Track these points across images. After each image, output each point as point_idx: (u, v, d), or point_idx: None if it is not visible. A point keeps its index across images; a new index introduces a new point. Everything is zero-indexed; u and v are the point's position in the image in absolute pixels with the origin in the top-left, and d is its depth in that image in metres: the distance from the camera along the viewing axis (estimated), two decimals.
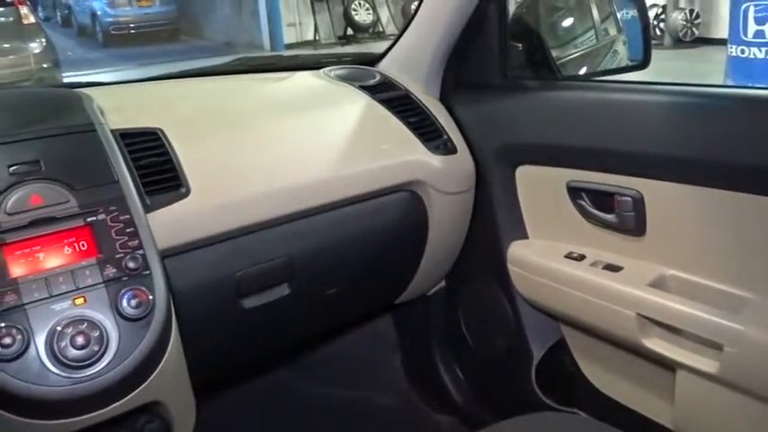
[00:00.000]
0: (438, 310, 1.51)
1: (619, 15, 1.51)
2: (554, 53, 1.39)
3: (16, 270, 0.82)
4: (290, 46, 10.29)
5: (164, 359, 0.91)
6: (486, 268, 1.36)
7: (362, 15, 10.55)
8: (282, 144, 1.15)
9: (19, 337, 0.79)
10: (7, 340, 0.78)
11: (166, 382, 0.93)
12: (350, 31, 10.66)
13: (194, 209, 0.99)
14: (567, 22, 1.56)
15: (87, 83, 1.27)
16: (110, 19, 10.63)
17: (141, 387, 0.88)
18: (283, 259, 1.10)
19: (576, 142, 1.16)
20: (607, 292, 1.09)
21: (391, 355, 1.64)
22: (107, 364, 0.82)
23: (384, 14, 10.86)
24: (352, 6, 10.48)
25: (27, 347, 0.79)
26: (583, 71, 1.49)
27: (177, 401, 0.99)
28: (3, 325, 0.78)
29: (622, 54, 1.48)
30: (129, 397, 0.87)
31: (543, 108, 1.23)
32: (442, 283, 1.48)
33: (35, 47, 5.25)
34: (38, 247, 0.84)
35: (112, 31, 10.59)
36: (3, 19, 5.14)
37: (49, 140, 0.94)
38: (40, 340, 0.80)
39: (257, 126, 1.17)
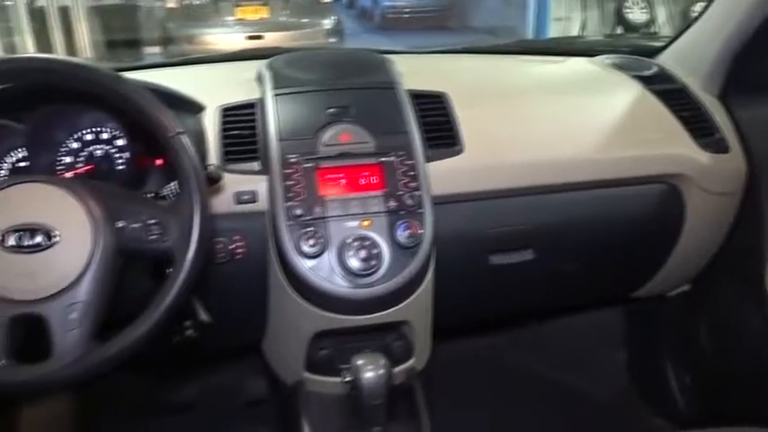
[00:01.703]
0: (677, 313, 1.47)
1: None
2: None
3: (323, 189, 1.02)
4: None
5: (421, 286, 1.06)
6: (741, 279, 1.29)
7: (636, 13, 9.92)
8: (550, 120, 1.22)
9: (320, 240, 0.99)
10: (311, 241, 0.98)
11: (418, 307, 1.09)
12: (619, 30, 10.12)
13: (465, 166, 1.12)
14: None
15: (386, 50, 1.47)
16: (388, 4, 11.49)
17: (401, 304, 1.04)
18: (531, 226, 1.18)
19: None
20: None
21: (616, 350, 1.63)
22: (380, 278, 0.99)
23: (661, 14, 10.12)
24: (626, 3, 9.94)
25: (323, 251, 0.99)
26: None
27: (421, 328, 1.14)
28: (311, 229, 0.99)
29: None
30: (390, 310, 1.03)
31: None
32: (686, 287, 1.44)
33: (327, 23, 5.99)
34: (341, 175, 1.04)
35: (388, 15, 11.44)
36: None
37: (358, 91, 1.14)
38: (333, 247, 0.99)
39: (528, 101, 1.27)
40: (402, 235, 1.00)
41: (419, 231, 1.01)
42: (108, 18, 6.38)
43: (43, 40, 5.52)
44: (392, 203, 1.02)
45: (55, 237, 0.79)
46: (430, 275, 1.08)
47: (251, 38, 5.68)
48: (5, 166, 1.05)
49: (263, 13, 5.94)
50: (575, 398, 1.61)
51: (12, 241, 0.78)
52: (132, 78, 0.87)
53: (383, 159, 1.05)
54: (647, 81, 1.32)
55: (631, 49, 1.50)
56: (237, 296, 1.11)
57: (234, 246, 1.05)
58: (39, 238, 0.78)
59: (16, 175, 1.02)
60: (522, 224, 1.18)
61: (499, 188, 1.14)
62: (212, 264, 1.03)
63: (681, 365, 1.49)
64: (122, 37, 6.06)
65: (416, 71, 1.28)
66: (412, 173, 1.04)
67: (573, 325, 1.62)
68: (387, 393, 0.96)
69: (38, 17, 5.62)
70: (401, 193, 1.03)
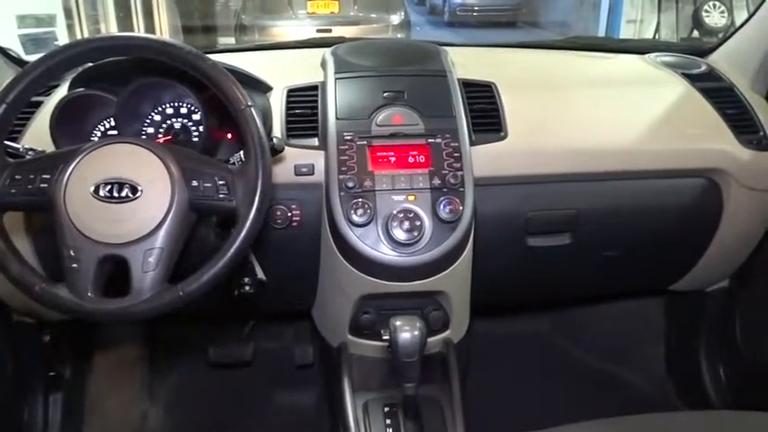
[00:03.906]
0: (714, 308, 1.50)
1: None
2: None
3: (374, 165, 1.12)
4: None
5: (459, 259, 1.14)
6: None
7: (715, 17, 9.58)
8: (594, 111, 1.28)
9: (368, 211, 1.08)
10: (361, 211, 1.08)
11: (456, 278, 1.17)
12: (695, 34, 9.79)
13: (508, 151, 1.19)
14: None
15: (442, 42, 1.55)
16: (459, 1, 11.51)
17: (439, 274, 1.12)
18: (571, 211, 1.24)
19: None
20: None
21: (652, 341, 1.66)
22: (421, 248, 1.07)
23: (741, 18, 9.71)
24: (705, 7, 9.59)
25: (370, 221, 1.08)
26: None
27: (458, 301, 1.22)
28: (361, 200, 1.08)
29: None
30: (430, 279, 1.12)
31: None
32: (725, 283, 1.46)
33: (395, 19, 6.10)
34: (391, 153, 1.13)
35: (458, 12, 11.45)
36: None
37: (412, 78, 1.23)
38: (380, 218, 1.08)
39: (574, 93, 1.33)
40: (443, 210, 1.09)
41: (459, 208, 1.09)
42: (186, 7, 6.67)
43: (126, 27, 5.84)
44: (436, 181, 1.10)
45: (139, 191, 0.91)
46: (468, 250, 1.16)
47: (320, 31, 5.84)
48: (98, 132, 1.19)
49: (333, 8, 6.09)
50: (607, 386, 1.66)
51: (104, 192, 0.91)
52: (211, 57, 0.98)
53: (431, 140, 1.14)
54: (694, 78, 1.35)
55: (683, 48, 1.53)
56: (292, 260, 1.22)
57: (291, 213, 1.16)
58: (126, 191, 0.91)
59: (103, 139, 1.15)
60: (561, 209, 1.24)
61: (540, 173, 1.21)
62: (271, 228, 1.15)
63: (717, 361, 1.51)
64: (199, 25, 6.33)
65: (469, 62, 1.35)
66: (456, 154, 1.12)
67: (610, 313, 1.66)
68: (420, 353, 1.05)
69: (122, 6, 5.95)
70: (445, 172, 1.11)
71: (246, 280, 1.15)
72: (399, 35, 6.06)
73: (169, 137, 1.17)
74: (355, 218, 1.08)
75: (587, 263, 1.32)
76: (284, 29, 5.96)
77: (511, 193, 1.21)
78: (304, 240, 1.19)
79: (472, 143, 1.16)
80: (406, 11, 6.37)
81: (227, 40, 6.45)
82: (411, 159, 1.13)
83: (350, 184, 1.09)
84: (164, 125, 1.18)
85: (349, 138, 1.13)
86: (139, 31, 5.89)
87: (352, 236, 1.08)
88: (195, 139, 1.18)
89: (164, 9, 6.47)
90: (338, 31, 5.73)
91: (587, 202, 1.24)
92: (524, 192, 1.22)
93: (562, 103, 1.29)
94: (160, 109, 1.18)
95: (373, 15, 6.09)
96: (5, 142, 0.97)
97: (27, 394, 1.44)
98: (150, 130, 1.18)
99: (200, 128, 1.18)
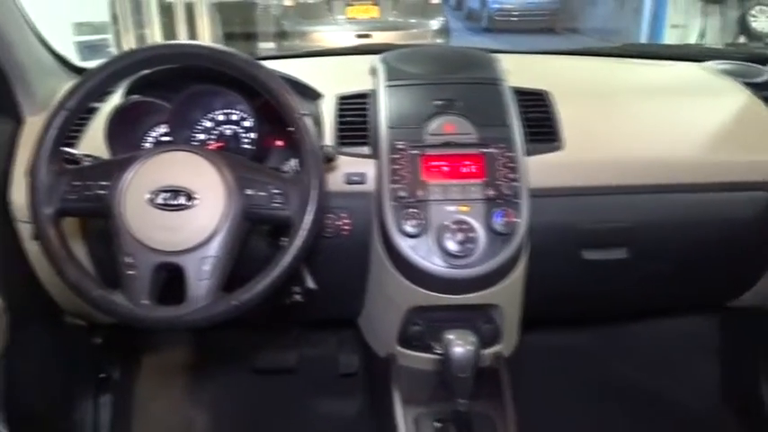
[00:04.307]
0: None
1: None
2: None
3: (427, 175, 1.10)
4: None
5: (513, 272, 1.11)
6: None
7: (762, 22, 9.33)
8: (652, 121, 1.24)
9: (421, 222, 1.06)
10: (413, 222, 1.06)
11: (509, 292, 1.14)
12: (742, 39, 9.52)
13: (564, 161, 1.16)
14: None
15: (493, 49, 1.52)
16: (496, 6, 11.44)
17: (492, 288, 1.10)
18: (627, 224, 1.20)
19: None
20: None
21: (707, 359, 1.60)
22: (475, 261, 1.05)
23: None
24: (752, 12, 9.33)
25: (423, 232, 1.07)
26: None
27: (510, 314, 1.19)
28: (413, 211, 1.07)
29: None
30: (482, 292, 1.10)
31: None
32: None
33: (434, 24, 6.09)
34: (444, 163, 1.11)
35: (496, 17, 11.38)
36: None
37: (464, 86, 1.21)
38: (433, 229, 1.06)
39: (631, 102, 1.29)
40: (498, 222, 1.06)
41: (514, 220, 1.06)
42: (228, 13, 6.76)
43: (168, 33, 5.95)
44: (490, 192, 1.08)
45: (195, 199, 0.91)
46: (522, 263, 1.13)
47: (360, 36, 5.86)
48: (150, 138, 1.19)
49: (373, 13, 6.11)
50: (660, 404, 1.60)
51: (160, 200, 0.91)
52: (266, 65, 0.98)
53: (484, 150, 1.11)
54: (757, 88, 1.30)
55: (744, 56, 1.48)
56: (340, 269, 1.21)
57: (341, 222, 1.15)
58: (182, 199, 0.91)
59: (157, 147, 1.16)
60: (618, 222, 1.20)
61: (596, 185, 1.18)
62: (320, 237, 1.14)
63: None
64: (240, 31, 6.41)
65: (521, 70, 1.32)
66: (511, 164, 1.10)
67: (666, 329, 1.61)
68: (474, 368, 1.02)
69: (166, 12, 6.06)
70: (500, 182, 1.09)
71: (296, 288, 1.14)
72: (439, 41, 6.05)
73: (221, 143, 1.18)
74: (407, 228, 1.06)
75: (643, 277, 1.28)
76: (324, 34, 6.00)
77: (566, 205, 1.18)
78: (353, 250, 1.18)
79: (527, 153, 1.14)
80: (446, 16, 6.35)
81: (267, 46, 6.51)
82: (464, 169, 1.10)
83: (402, 194, 1.08)
84: (214, 132, 1.19)
85: (401, 147, 1.11)
86: (182, 37, 5.99)
87: (404, 246, 1.07)
88: (245, 147, 1.18)
89: (206, 16, 6.57)
90: (378, 37, 5.75)
91: (645, 215, 1.20)
92: (580, 204, 1.18)
93: (619, 113, 1.25)
94: (211, 116, 1.19)
95: (413, 21, 6.09)
96: (63, 148, 0.99)
97: (77, 395, 1.46)
98: (201, 136, 1.18)
99: (251, 135, 1.18)
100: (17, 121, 1.25)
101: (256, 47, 6.57)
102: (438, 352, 1.05)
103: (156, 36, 5.80)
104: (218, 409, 1.64)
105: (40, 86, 1.28)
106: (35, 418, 1.32)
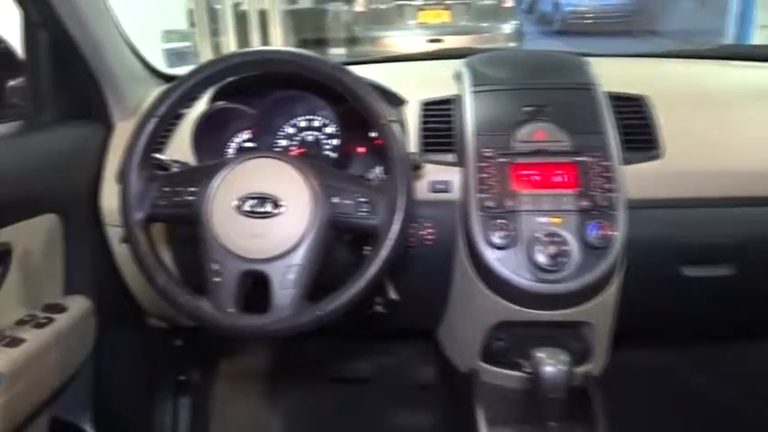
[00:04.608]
0: None
1: None
2: None
3: (516, 184, 1.05)
4: None
5: (607, 289, 1.05)
6: None
7: None
8: (758, 128, 1.15)
9: (510, 233, 1.02)
10: (501, 233, 1.02)
11: (602, 309, 1.08)
12: None
13: (664, 171, 1.09)
14: None
15: (582, 52, 1.46)
16: (570, 8, 11.15)
17: (585, 305, 1.04)
18: (733, 239, 1.12)
19: None
20: None
21: None
22: (567, 275, 1.00)
23: None
24: None
25: (512, 243, 1.02)
26: None
27: (602, 332, 1.12)
28: (501, 221, 1.02)
29: None
30: (573, 309, 1.04)
31: None
32: None
33: (507, 28, 5.99)
34: (535, 172, 1.06)
35: (569, 20, 11.10)
36: (487, 2, 6.00)
37: (555, 91, 1.16)
38: (522, 241, 1.02)
39: (735, 108, 1.20)
40: (592, 235, 1.00)
41: (610, 233, 1.00)
42: (300, 20, 6.88)
43: (242, 41, 6.10)
44: (585, 203, 1.02)
45: (281, 206, 0.90)
46: (617, 279, 1.07)
47: (431, 41, 5.83)
48: (233, 145, 1.20)
49: (444, 18, 6.07)
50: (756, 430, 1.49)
51: (247, 207, 0.90)
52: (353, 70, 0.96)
53: (578, 158, 1.06)
54: None
55: None
56: (422, 280, 1.17)
57: (425, 232, 1.12)
58: (268, 206, 0.90)
59: (241, 153, 1.16)
60: (724, 237, 1.12)
61: (699, 196, 1.10)
62: (404, 247, 1.10)
63: None
64: (312, 37, 6.50)
65: (614, 74, 1.26)
66: (607, 174, 1.04)
67: (765, 350, 1.49)
68: (566, 389, 0.97)
69: (240, 20, 6.22)
70: (594, 193, 1.03)
71: (378, 299, 1.12)
72: (512, 45, 5.94)
73: (302, 150, 1.17)
74: (495, 239, 1.02)
75: (749, 296, 1.19)
76: (395, 39, 6.01)
77: (666, 218, 1.11)
78: (436, 260, 1.15)
79: (624, 162, 1.08)
80: (519, 20, 6.24)
81: (338, 52, 6.58)
82: (556, 179, 1.05)
83: (489, 204, 1.04)
84: (296, 138, 1.18)
85: (489, 154, 1.07)
86: (256, 45, 6.13)
87: (492, 258, 1.02)
88: (327, 153, 1.17)
89: (278, 23, 6.70)
90: (450, 42, 5.70)
91: (754, 229, 1.11)
92: (681, 216, 1.11)
93: (722, 119, 1.17)
94: (294, 122, 1.18)
95: (485, 24, 6.00)
96: (153, 155, 0.99)
97: (157, 397, 1.48)
98: (283, 142, 1.18)
99: (333, 141, 1.17)
100: (107, 126, 1.28)
101: (327, 53, 6.65)
102: (526, 370, 1.01)
103: (231, 44, 5.95)
104: (294, 417, 1.64)
105: (130, 93, 1.31)
106: (118, 418, 1.35)
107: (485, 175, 1.06)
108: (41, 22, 1.17)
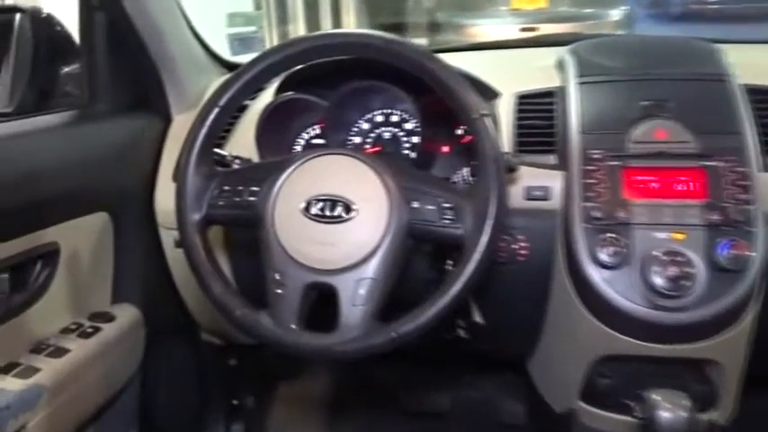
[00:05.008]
0: None
1: None
2: None
3: (630, 192, 1.01)
4: None
5: (742, 320, 0.99)
6: None
7: None
8: None
9: (621, 250, 0.97)
10: (611, 249, 0.98)
11: (734, 346, 1.02)
12: None
13: None
14: None
15: (711, 38, 1.39)
16: None
17: (712, 339, 0.99)
18: None
19: None
20: None
21: None
22: (691, 303, 0.94)
23: None
24: None
25: (623, 262, 0.98)
26: None
27: (732, 373, 1.06)
28: (610, 235, 0.98)
29: None
30: (699, 344, 0.99)
31: None
32: None
33: (615, 14, 5.85)
34: (653, 178, 1.02)
35: (690, 4, 10.72)
36: None
37: (679, 83, 1.11)
38: (636, 260, 0.97)
39: None
40: (724, 255, 0.95)
41: (746, 253, 0.95)
42: (375, 5, 6.96)
43: (312, 28, 6.23)
44: (714, 216, 0.97)
45: (354, 210, 0.89)
46: (754, 309, 1.00)
47: (525, 30, 5.76)
48: (301, 141, 1.21)
49: (540, 3, 5.98)
50: None
51: (315, 210, 0.90)
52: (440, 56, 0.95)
53: (707, 163, 1.01)
54: None
55: None
56: (513, 302, 1.15)
57: (517, 245, 1.09)
58: (339, 210, 0.89)
59: (309, 149, 1.17)
60: None
61: None
62: (493, 262, 1.08)
63: None
64: (388, 23, 6.56)
65: (752, 63, 1.20)
66: (743, 182, 0.98)
67: None
68: None
69: (310, 6, 6.35)
70: (727, 205, 0.98)
71: (461, 322, 1.10)
72: (620, 32, 5.79)
73: (377, 148, 1.17)
74: (603, 257, 0.98)
75: None
76: (483, 28, 5.96)
77: None
78: (530, 279, 1.12)
79: (763, 168, 1.02)
80: (629, 5, 6.08)
81: (417, 42, 6.62)
82: (679, 186, 1.00)
83: (597, 215, 1.00)
84: (371, 134, 1.18)
85: (597, 156, 1.04)
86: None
87: (598, 279, 0.98)
88: (406, 152, 1.16)
89: (352, 8, 6.81)
90: (546, 31, 5.61)
91: None
92: None
93: None
94: (369, 116, 1.18)
95: (589, 10, 5.88)
96: (214, 150, 1.01)
97: (208, 420, 1.51)
98: (357, 139, 1.18)
99: (413, 139, 1.16)
100: (165, 119, 1.32)
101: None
102: (637, 415, 0.96)
103: (300, 30, 6.09)
104: None
105: (190, 83, 1.35)
106: None
107: (592, 181, 1.02)
108: (99, 3, 1.22)
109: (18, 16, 1.25)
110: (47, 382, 1.04)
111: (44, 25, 1.27)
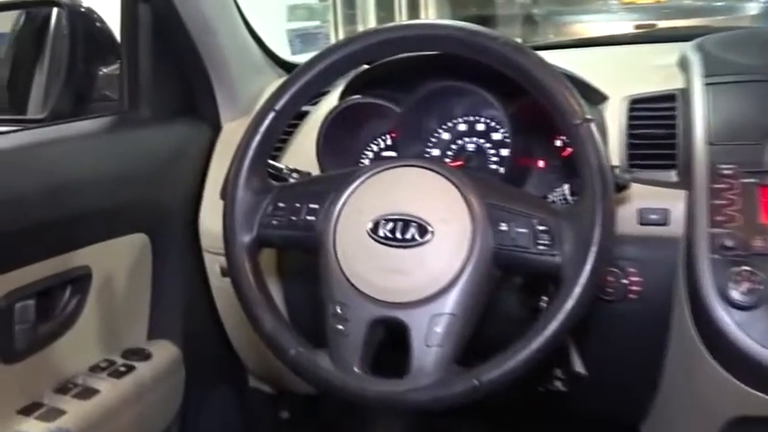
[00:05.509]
0: None
1: None
2: None
3: None
4: None
5: None
6: None
7: None
8: None
9: (759, 287, 0.94)
10: (746, 285, 0.94)
11: None
12: None
13: None
14: None
15: None
16: None
17: None
18: None
19: None
20: None
21: None
22: None
23: None
24: None
25: (760, 302, 0.94)
26: None
27: None
28: (746, 269, 0.95)
29: None
30: None
31: None
32: None
33: (751, 7, 5.74)
34: None
35: None
36: None
37: None
38: None
39: None
40: None
41: None
42: (459, 3, 7.03)
43: (385, 22, 6.34)
44: None
45: (429, 232, 0.89)
46: None
47: (639, 28, 5.70)
48: (369, 153, 1.22)
49: None
50: None
51: (384, 232, 0.90)
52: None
53: None
54: None
55: None
56: (622, 350, 1.13)
57: (628, 280, 1.07)
58: (412, 232, 0.89)
59: (379, 162, 1.18)
60: None
61: None
62: (598, 300, 1.06)
63: None
64: (474, 16, 6.61)
65: None
66: None
67: None
68: None
69: (385, 5, 6.47)
70: None
71: (558, 372, 1.08)
72: (759, 25, 5.67)
73: (459, 162, 1.17)
74: (735, 294, 0.95)
75: None
76: (589, 26, 5.93)
77: None
78: (643, 322, 1.10)
79: None
80: None
81: None
82: None
83: (728, 243, 0.97)
84: (452, 146, 1.19)
85: (728, 172, 1.01)
86: None
87: (730, 323, 0.95)
88: (493, 167, 1.16)
89: (432, 2, 6.90)
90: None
91: None
92: None
93: None
94: (449, 125, 1.19)
95: (719, 4, 5.78)
96: (268, 161, 1.03)
97: None
98: (435, 152, 1.18)
99: (502, 152, 1.16)
100: (214, 127, 1.36)
101: None
102: None
103: (371, 24, 6.20)
104: None
105: (243, 86, 1.38)
106: None
107: (722, 202, 0.99)
108: None
109: (55, 11, 1.31)
110: (72, 426, 1.07)
111: (82, 20, 1.33)
